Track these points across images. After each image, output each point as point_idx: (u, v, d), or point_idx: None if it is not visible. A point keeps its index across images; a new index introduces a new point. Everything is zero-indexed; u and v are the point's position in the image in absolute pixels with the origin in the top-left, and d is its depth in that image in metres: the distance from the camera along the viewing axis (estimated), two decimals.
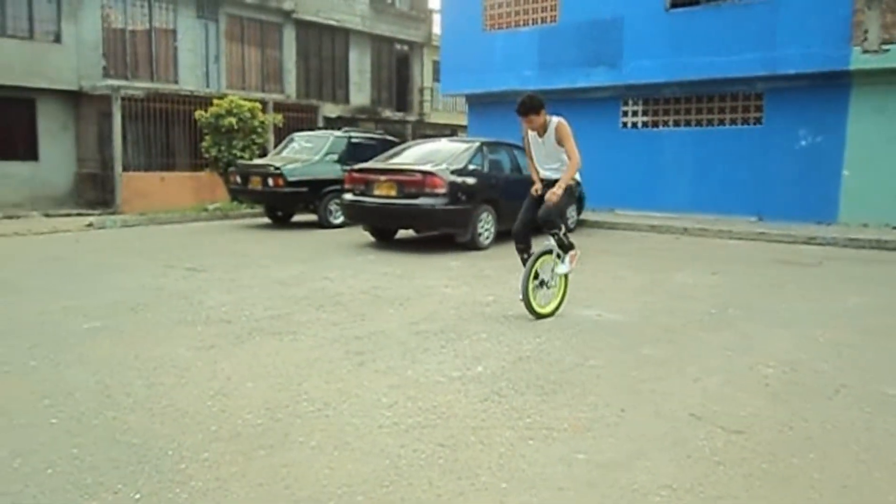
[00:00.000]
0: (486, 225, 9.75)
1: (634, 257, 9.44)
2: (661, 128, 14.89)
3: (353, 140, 13.08)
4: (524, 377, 4.13)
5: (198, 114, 15.38)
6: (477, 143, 10.18)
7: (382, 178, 9.47)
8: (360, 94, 23.95)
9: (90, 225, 12.25)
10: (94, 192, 16.67)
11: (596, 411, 3.61)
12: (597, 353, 4.67)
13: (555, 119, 5.66)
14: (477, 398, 3.76)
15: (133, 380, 3.98)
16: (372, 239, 10.52)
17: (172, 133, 17.31)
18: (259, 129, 15.83)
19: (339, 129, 14.32)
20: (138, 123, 16.55)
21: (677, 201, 14.25)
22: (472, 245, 9.55)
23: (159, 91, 16.98)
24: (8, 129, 16.27)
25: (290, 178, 11.66)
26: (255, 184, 12.13)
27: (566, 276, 5.90)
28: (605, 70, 14.72)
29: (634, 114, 15.17)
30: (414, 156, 10.17)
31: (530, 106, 5.62)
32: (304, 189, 11.81)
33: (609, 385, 4.05)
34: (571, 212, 12.21)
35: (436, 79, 25.40)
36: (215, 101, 15.47)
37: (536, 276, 5.64)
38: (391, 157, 10.46)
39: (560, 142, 5.61)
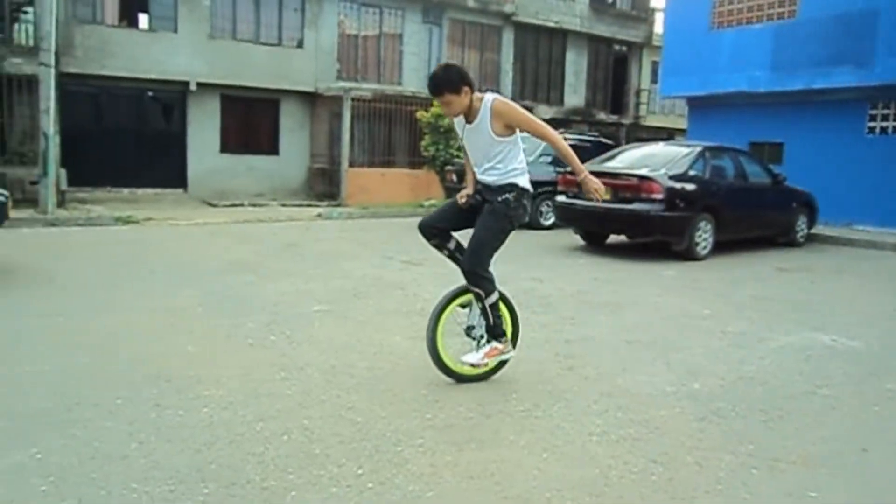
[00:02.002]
0: (703, 234, 9.22)
1: (875, 279, 8.45)
2: None
3: (568, 142, 12.98)
4: (745, 399, 3.84)
5: (419, 114, 16.14)
6: (699, 148, 9.67)
7: None
8: (574, 96, 23.77)
9: (319, 215, 13.33)
10: (323, 185, 18.12)
11: (830, 446, 3.27)
12: (830, 382, 4.23)
13: (488, 98, 3.72)
14: (693, 416, 3.56)
15: (356, 362, 4.25)
16: (582, 242, 10.39)
17: (394, 132, 18.37)
18: None
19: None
20: (364, 122, 17.73)
21: None
22: (689, 254, 9.08)
23: (384, 92, 18.05)
24: (256, 126, 18.20)
25: None
26: None
27: (489, 364, 3.94)
28: (852, 69, 13.28)
29: (885, 118, 13.54)
30: (630, 159, 9.89)
31: (444, 79, 3.65)
32: None
33: (846, 419, 3.65)
34: (801, 221, 11.20)
35: (653, 80, 24.51)
36: (435, 102, 16.09)
37: (467, 309, 4.04)
38: (606, 160, 10.25)
39: (503, 127, 3.72)
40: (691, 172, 9.24)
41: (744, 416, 3.61)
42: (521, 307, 5.93)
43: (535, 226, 12.03)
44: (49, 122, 11.31)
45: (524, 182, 3.86)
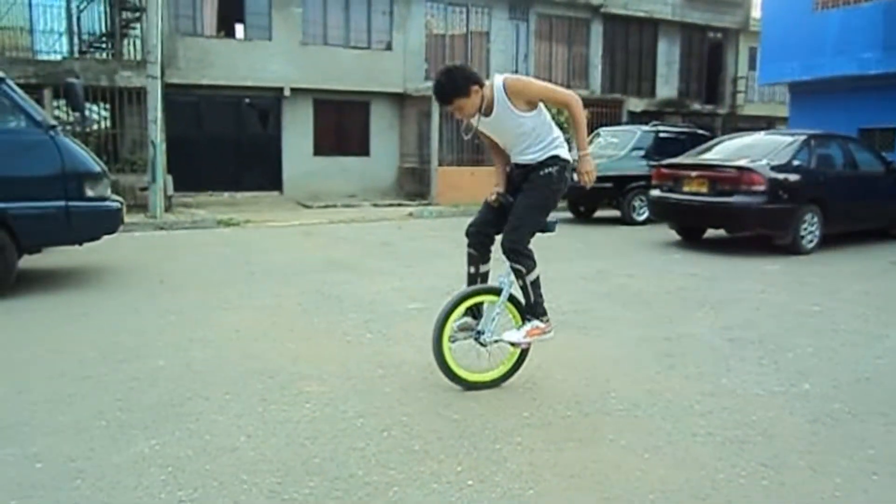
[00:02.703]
0: (809, 227, 8.77)
1: None
2: None
3: (661, 135, 12.68)
4: (863, 401, 3.63)
5: None
6: (803, 137, 9.20)
7: (693, 174, 9.03)
8: (666, 87, 23.10)
9: (410, 214, 13.51)
10: (413, 184, 18.34)
11: None
12: None
13: (497, 81, 3.55)
14: (804, 418, 3.39)
15: None
16: (677, 238, 10.08)
17: None
18: (565, 125, 16.05)
19: (645, 123, 13.97)
20: (452, 122, 17.79)
21: None
22: (793, 249, 8.66)
23: None
24: (348, 128, 18.62)
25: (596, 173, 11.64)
26: None
27: (522, 351, 3.82)
28: None
29: None
30: (728, 150, 9.53)
31: (451, 86, 3.49)
32: (609, 185, 11.70)
33: None
34: None
35: (751, 67, 23.50)
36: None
37: (478, 314, 3.81)
38: (703, 152, 9.92)
39: (525, 103, 3.56)
40: (795, 162, 8.81)
41: (861, 418, 3.41)
42: (614, 304, 5.85)
43: (627, 221, 11.77)
44: (156, 131, 11.95)
45: (565, 153, 3.71)
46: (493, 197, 3.79)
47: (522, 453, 2.98)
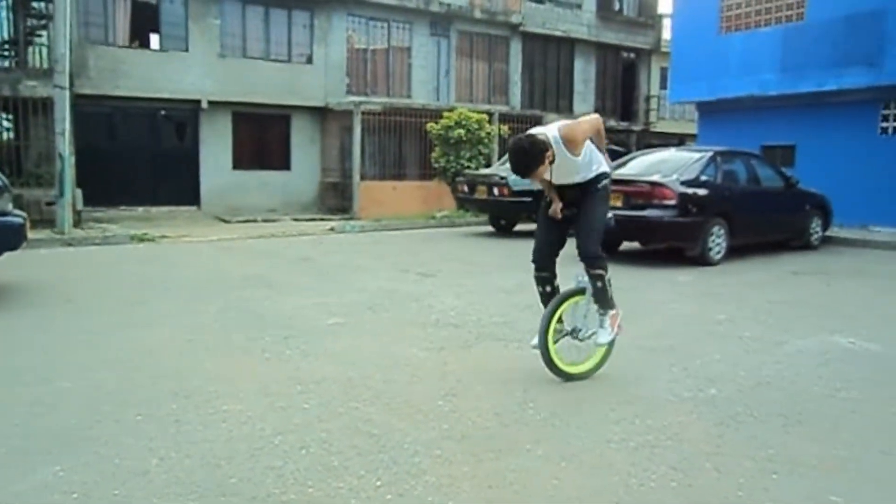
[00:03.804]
0: (717, 239, 9.18)
1: (892, 280, 8.38)
2: None
3: None
4: (764, 404, 3.82)
5: (429, 126, 16.21)
6: (710, 153, 9.65)
7: None
8: (583, 104, 23.77)
9: (332, 229, 13.39)
10: (335, 199, 18.19)
11: (851, 450, 3.24)
12: (849, 385, 4.20)
13: (552, 133, 3.94)
14: (711, 422, 3.55)
15: (372, 374, 4.27)
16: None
17: (404, 144, 18.45)
18: (485, 140, 16.33)
19: None
20: (374, 136, 17.81)
21: None
22: (702, 260, 9.04)
23: (394, 105, 18.13)
24: (268, 142, 18.33)
25: (516, 188, 11.85)
26: (481, 193, 12.52)
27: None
28: (862, 70, 13.23)
29: None
30: (641, 166, 9.88)
31: (533, 164, 3.84)
32: (529, 199, 11.92)
33: (865, 422, 3.62)
34: (815, 224, 11.16)
35: (663, 86, 24.47)
36: (445, 114, 16.22)
37: (561, 321, 4.22)
38: (617, 167, 10.22)
39: (579, 144, 3.99)
40: (703, 177, 9.22)
41: (763, 421, 3.59)
42: (535, 316, 5.92)
43: None
44: (64, 144, 11.45)
45: (606, 166, 4.23)
46: (559, 214, 4.19)
47: (442, 466, 3.00)
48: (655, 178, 9.00)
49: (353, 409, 3.65)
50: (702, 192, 9.08)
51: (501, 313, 6.06)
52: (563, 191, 4.20)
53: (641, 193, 8.90)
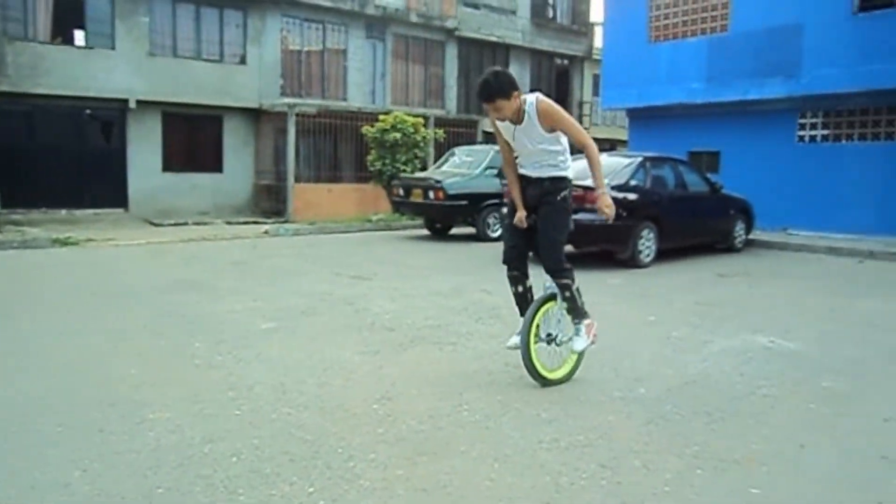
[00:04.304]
0: (647, 242, 9.44)
1: (811, 281, 8.77)
2: (843, 142, 13.74)
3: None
4: (690, 402, 3.95)
5: (364, 129, 16.16)
6: (639, 158, 9.92)
7: None
8: None
9: (266, 232, 13.17)
10: (269, 201, 17.92)
11: (771, 445, 3.38)
12: (769, 383, 4.38)
13: (530, 98, 3.96)
14: (640, 421, 3.65)
15: (305, 379, 4.22)
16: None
17: (340, 147, 18.32)
18: (421, 144, 16.37)
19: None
20: (309, 138, 17.62)
21: (860, 222, 13.04)
22: (633, 263, 9.29)
23: (329, 108, 17.99)
24: (200, 144, 17.91)
25: (451, 192, 11.93)
26: (417, 196, 12.52)
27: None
28: (781, 80, 13.82)
29: (813, 126, 14.12)
30: (574, 171, 10.02)
31: (497, 87, 3.85)
32: (464, 202, 12.03)
33: (785, 417, 3.78)
34: (739, 228, 11.59)
35: (595, 93, 25.02)
36: (381, 117, 16.19)
37: (539, 328, 4.24)
38: None
39: (552, 126, 3.97)
40: (633, 182, 9.47)
41: (688, 418, 3.71)
42: (469, 319, 6.00)
43: (482, 238, 12.13)
44: None
45: (571, 174, 4.21)
46: (525, 223, 4.21)
47: (376, 469, 2.99)
48: (587, 182, 9.14)
49: (286, 415, 3.61)
50: (632, 196, 9.32)
51: (437, 316, 6.07)
52: (525, 190, 4.22)
53: (574, 198, 9.03)
